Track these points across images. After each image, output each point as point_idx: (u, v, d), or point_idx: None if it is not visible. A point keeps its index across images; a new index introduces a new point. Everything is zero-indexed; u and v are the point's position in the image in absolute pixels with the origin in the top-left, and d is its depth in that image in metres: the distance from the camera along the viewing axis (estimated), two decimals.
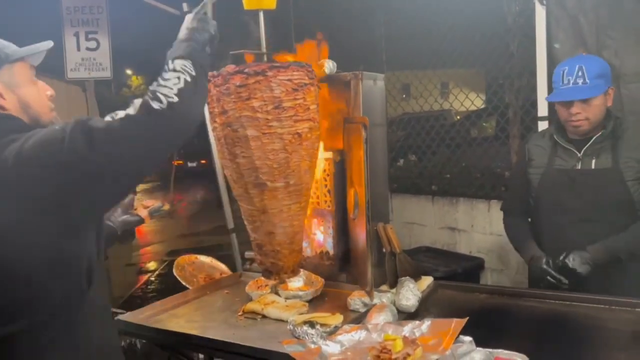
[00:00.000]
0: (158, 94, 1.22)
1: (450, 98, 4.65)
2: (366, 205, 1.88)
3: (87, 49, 5.38)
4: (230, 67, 1.80)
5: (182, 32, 1.43)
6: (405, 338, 1.32)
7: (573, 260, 1.99)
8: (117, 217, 1.86)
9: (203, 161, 17.89)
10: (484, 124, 5.26)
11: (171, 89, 1.24)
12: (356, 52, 4.72)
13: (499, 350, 1.27)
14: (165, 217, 12.00)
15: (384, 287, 2.08)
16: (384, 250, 2.13)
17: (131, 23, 4.66)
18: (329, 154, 2.12)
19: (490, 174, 3.91)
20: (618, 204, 2.06)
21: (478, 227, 3.73)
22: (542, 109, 2.91)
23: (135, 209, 1.94)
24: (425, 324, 1.38)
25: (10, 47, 1.39)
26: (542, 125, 2.88)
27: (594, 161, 2.09)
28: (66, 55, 5.29)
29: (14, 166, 1.18)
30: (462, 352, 1.25)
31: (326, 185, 2.13)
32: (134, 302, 5.62)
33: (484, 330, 1.73)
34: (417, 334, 1.36)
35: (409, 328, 1.38)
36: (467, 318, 1.33)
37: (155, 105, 1.20)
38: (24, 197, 1.18)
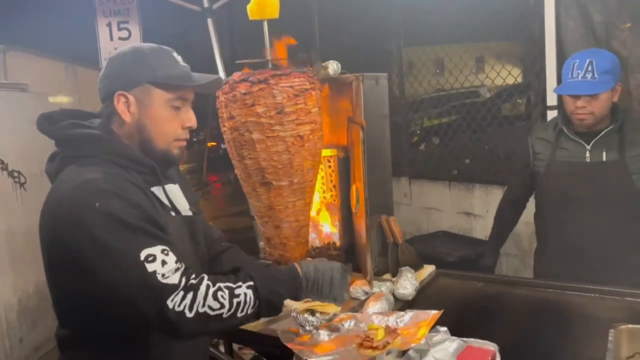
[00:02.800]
0: (205, 297, 1.21)
1: (484, 74, 4.52)
2: (365, 201, 2.01)
3: (120, 38, 5.57)
4: (237, 75, 1.94)
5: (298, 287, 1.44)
6: (387, 328, 1.46)
7: None
8: None
9: None
10: (519, 100, 5.16)
11: (220, 305, 1.22)
12: (372, 29, 4.76)
13: (472, 339, 1.39)
14: (200, 199, 12.43)
15: (387, 276, 2.22)
16: (387, 241, 2.27)
17: (159, 9, 4.83)
18: (334, 151, 2.25)
19: (509, 159, 3.93)
20: (624, 195, 2.13)
21: (493, 213, 3.79)
22: (552, 99, 2.94)
23: None
24: (408, 315, 1.51)
25: (165, 70, 1.37)
26: (551, 115, 2.92)
27: (604, 153, 2.13)
28: (100, 46, 5.54)
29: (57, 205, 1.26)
30: (437, 340, 1.37)
31: (332, 181, 2.27)
32: None
33: (473, 317, 1.87)
34: (400, 324, 1.49)
35: (393, 318, 1.52)
36: (443, 310, 1.46)
37: (192, 300, 1.19)
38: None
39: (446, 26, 4.48)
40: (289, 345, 1.47)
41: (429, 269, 2.30)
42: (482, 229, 3.89)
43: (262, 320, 1.80)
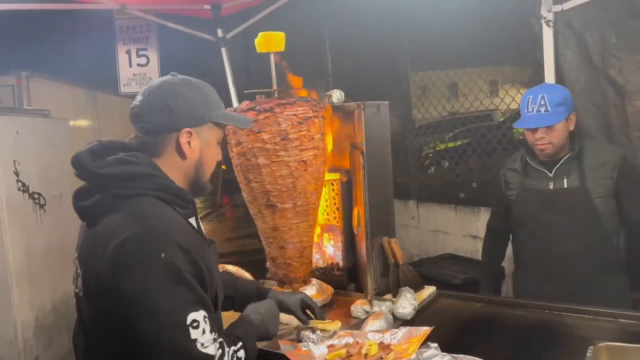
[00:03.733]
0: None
1: (492, 99, 4.59)
2: (366, 223, 2.10)
3: (138, 65, 5.80)
4: (245, 104, 2.07)
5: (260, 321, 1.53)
6: (381, 343, 1.54)
7: None
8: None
9: None
10: None
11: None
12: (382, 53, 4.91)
13: (461, 356, 1.46)
14: (213, 221, 12.58)
15: (388, 296, 2.29)
16: (389, 262, 2.35)
17: (175, 37, 5.05)
18: (338, 175, 2.35)
19: None
20: (589, 219, 2.24)
21: None
22: None
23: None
24: (401, 332, 1.59)
25: (221, 109, 1.47)
26: None
27: (565, 180, 2.27)
28: (119, 72, 5.76)
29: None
30: (428, 356, 1.45)
31: (335, 203, 2.37)
32: None
33: (468, 336, 1.93)
34: (394, 341, 1.57)
35: (388, 335, 1.60)
36: (433, 327, 1.53)
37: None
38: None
39: (458, 50, 4.61)
40: (288, 355, 1.55)
41: (429, 290, 2.36)
42: None
43: None
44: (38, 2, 3.81)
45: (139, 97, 1.41)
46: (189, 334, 1.21)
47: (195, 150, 1.41)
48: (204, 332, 1.23)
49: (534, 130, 2.24)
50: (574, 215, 2.25)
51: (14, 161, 3.50)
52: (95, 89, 7.11)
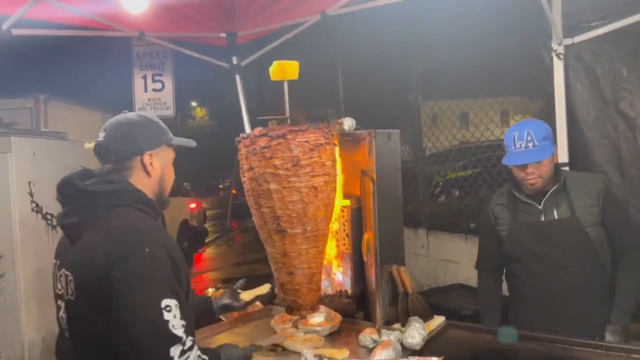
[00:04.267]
0: None
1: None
2: (375, 250, 2.10)
3: (154, 90, 5.93)
4: (257, 130, 2.10)
5: None
6: None
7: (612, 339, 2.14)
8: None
9: None
10: None
11: None
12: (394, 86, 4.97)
13: None
14: (222, 245, 12.59)
15: (397, 325, 2.27)
16: (398, 290, 2.34)
17: (192, 60, 5.15)
18: (348, 202, 2.36)
19: None
20: (582, 248, 2.25)
21: None
22: (562, 156, 3.01)
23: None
24: None
25: (171, 134, 1.75)
26: None
27: (555, 211, 2.28)
28: (135, 96, 5.87)
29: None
30: None
31: (345, 230, 2.37)
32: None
33: None
34: None
35: None
36: (442, 358, 1.52)
37: None
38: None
39: (469, 81, 4.66)
40: None
41: (438, 320, 2.34)
42: None
43: None
44: (60, 28, 3.91)
45: (102, 135, 1.65)
46: (162, 315, 1.41)
47: (157, 169, 1.67)
48: (174, 316, 1.42)
49: (524, 167, 2.25)
50: (568, 246, 2.25)
51: (29, 182, 3.56)
52: (111, 112, 7.24)
